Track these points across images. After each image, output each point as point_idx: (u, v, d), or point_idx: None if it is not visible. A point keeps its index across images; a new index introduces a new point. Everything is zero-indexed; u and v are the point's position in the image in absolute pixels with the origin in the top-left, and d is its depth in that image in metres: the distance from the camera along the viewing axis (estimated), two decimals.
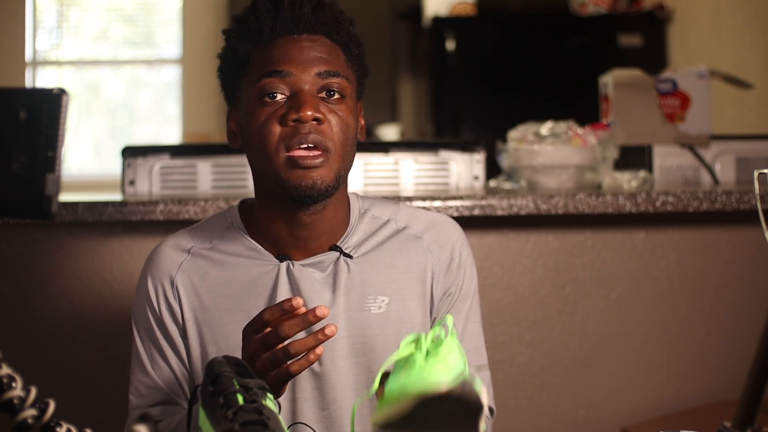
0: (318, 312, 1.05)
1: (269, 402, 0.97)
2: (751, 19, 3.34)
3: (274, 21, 1.23)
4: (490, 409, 1.34)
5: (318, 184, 1.19)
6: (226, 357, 1.02)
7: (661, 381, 2.03)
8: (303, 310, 1.06)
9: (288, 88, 1.21)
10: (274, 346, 1.07)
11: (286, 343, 1.07)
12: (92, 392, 1.90)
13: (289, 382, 1.14)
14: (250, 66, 1.24)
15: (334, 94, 1.22)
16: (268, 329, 1.08)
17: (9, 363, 0.75)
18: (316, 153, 1.19)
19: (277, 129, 1.20)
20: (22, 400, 0.75)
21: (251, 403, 0.92)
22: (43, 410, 0.76)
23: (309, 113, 1.18)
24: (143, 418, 0.76)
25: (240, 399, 0.93)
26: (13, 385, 0.75)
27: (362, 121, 1.30)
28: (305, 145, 1.19)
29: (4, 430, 0.80)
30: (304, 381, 1.27)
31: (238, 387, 0.94)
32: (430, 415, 0.91)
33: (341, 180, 1.24)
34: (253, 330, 1.09)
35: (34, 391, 0.76)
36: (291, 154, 1.19)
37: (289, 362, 1.07)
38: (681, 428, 1.56)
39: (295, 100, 1.20)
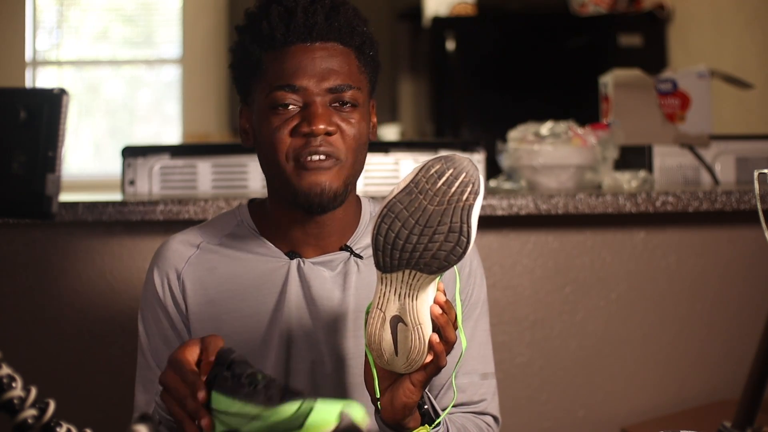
0: None
1: None
2: (752, 19, 3.34)
3: (287, 28, 1.20)
4: (495, 418, 1.34)
5: (326, 189, 1.19)
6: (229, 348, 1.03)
7: (661, 381, 2.03)
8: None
9: (300, 99, 1.20)
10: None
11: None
12: (92, 392, 1.90)
13: (306, 388, 1.14)
14: (262, 71, 1.23)
15: (346, 104, 1.21)
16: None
17: (9, 363, 0.75)
18: (325, 157, 1.19)
19: (288, 139, 1.20)
20: (22, 400, 0.75)
21: (273, 381, 0.94)
22: (43, 410, 0.76)
23: (321, 127, 1.18)
24: (143, 418, 0.76)
25: (260, 377, 0.94)
26: (13, 385, 0.75)
27: (374, 119, 1.30)
28: (316, 157, 1.19)
29: (4, 430, 0.80)
30: (320, 381, 1.27)
31: (254, 369, 0.96)
32: None
33: (350, 186, 1.24)
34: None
35: (34, 391, 0.76)
36: (300, 160, 1.19)
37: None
38: (681, 428, 1.56)
39: (307, 112, 1.19)
